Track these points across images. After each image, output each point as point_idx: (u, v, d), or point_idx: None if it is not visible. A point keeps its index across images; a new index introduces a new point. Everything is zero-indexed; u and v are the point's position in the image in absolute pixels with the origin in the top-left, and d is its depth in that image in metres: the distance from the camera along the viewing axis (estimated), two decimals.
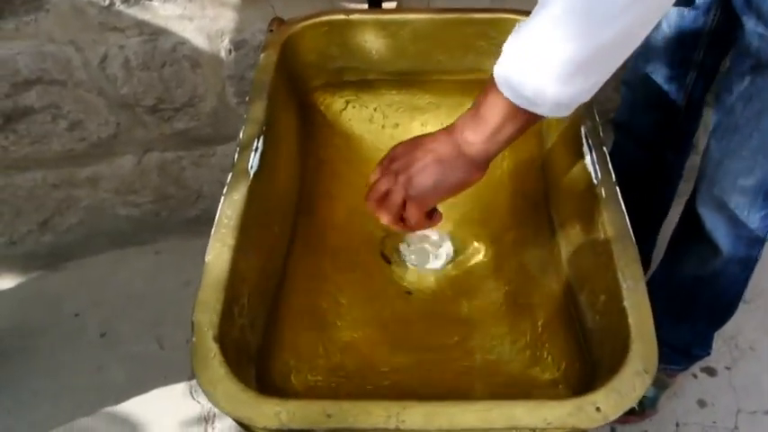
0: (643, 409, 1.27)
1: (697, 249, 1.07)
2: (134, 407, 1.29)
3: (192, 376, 1.31)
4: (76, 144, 1.31)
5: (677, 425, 1.28)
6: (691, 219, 1.05)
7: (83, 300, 1.47)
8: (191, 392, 1.31)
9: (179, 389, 1.31)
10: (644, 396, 1.21)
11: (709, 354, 1.25)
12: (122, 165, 1.38)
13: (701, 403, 1.31)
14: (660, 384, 1.29)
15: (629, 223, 0.69)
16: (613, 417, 0.54)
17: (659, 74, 1.05)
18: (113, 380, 1.33)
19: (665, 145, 1.19)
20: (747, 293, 1.36)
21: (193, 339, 0.60)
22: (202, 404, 1.28)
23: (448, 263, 0.94)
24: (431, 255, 0.94)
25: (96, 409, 1.29)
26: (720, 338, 1.37)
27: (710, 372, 1.36)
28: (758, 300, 1.47)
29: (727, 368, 1.37)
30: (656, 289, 1.14)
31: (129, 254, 1.55)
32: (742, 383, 1.34)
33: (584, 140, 0.78)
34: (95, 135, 1.30)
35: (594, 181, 0.74)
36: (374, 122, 1.02)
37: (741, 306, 1.39)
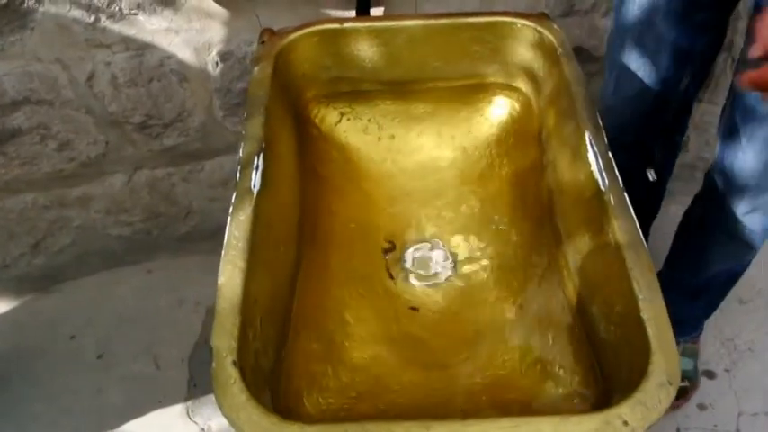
0: (694, 382, 1.28)
1: (731, 251, 1.08)
2: (132, 429, 1.28)
3: (188, 396, 1.30)
4: (66, 164, 1.29)
5: (678, 430, 1.26)
6: (720, 224, 1.03)
7: (78, 321, 1.45)
8: (187, 413, 1.29)
9: (176, 410, 1.30)
10: (685, 371, 1.24)
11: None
12: (112, 184, 1.36)
13: (701, 407, 1.30)
14: (692, 353, 1.30)
15: (639, 230, 0.68)
16: (641, 430, 0.54)
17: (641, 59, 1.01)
18: (112, 402, 1.32)
19: (652, 141, 1.18)
20: (745, 293, 1.38)
21: (213, 365, 0.59)
22: (199, 424, 1.27)
23: (451, 271, 0.93)
24: (432, 263, 0.93)
25: (95, 431, 1.27)
26: (718, 340, 1.38)
27: (710, 374, 1.34)
28: (756, 300, 1.45)
29: (727, 370, 1.35)
30: (674, 287, 1.17)
31: (121, 273, 1.53)
32: (742, 385, 1.32)
33: (588, 147, 0.78)
34: (85, 154, 1.29)
35: (602, 188, 0.73)
36: (369, 134, 1.02)
37: (739, 307, 1.41)
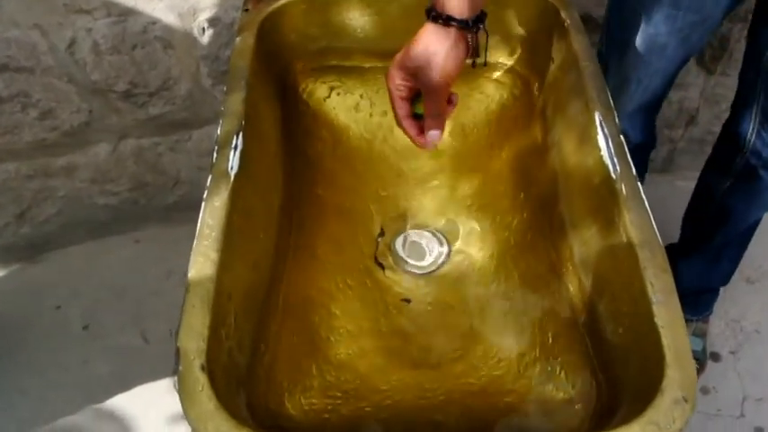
0: (702, 364, 1.26)
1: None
2: (120, 402, 1.26)
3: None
4: (49, 133, 1.25)
5: None
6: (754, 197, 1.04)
7: (64, 291, 1.43)
8: (175, 387, 1.27)
9: (164, 384, 1.28)
10: (695, 351, 1.22)
11: None
12: (97, 153, 1.32)
13: (705, 390, 1.26)
14: (702, 333, 1.28)
15: (654, 225, 0.63)
16: None
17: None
18: (98, 374, 1.30)
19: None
20: (752, 273, 1.33)
21: (180, 369, 0.56)
22: None
23: (446, 261, 0.89)
24: (426, 252, 0.89)
25: (82, 405, 1.26)
26: (724, 321, 1.34)
27: (714, 357, 1.30)
28: (763, 280, 1.41)
29: (732, 353, 1.31)
30: (695, 252, 1.14)
31: (108, 243, 1.51)
32: (747, 368, 1.28)
33: (598, 129, 0.72)
34: (68, 123, 1.24)
35: (613, 175, 0.67)
36: (361, 110, 0.96)
37: (745, 287, 1.37)
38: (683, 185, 1.25)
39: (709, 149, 1.15)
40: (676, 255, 1.20)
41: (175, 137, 1.34)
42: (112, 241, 1.51)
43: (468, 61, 0.69)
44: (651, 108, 1.09)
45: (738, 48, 1.33)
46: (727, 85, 1.41)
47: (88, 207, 1.42)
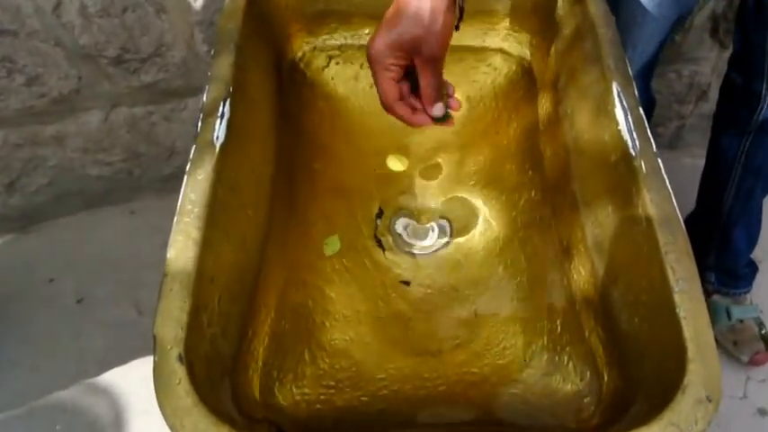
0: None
1: None
2: (113, 376, 1.23)
3: None
4: (36, 100, 1.20)
5: None
6: None
7: (57, 263, 1.39)
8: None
9: None
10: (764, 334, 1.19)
11: None
12: (88, 122, 1.27)
13: None
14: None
15: (676, 206, 0.57)
16: None
17: None
18: (92, 348, 1.28)
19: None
20: (759, 253, 1.29)
21: (155, 359, 0.52)
22: None
23: (449, 241, 0.84)
24: (428, 231, 0.84)
25: (75, 379, 1.23)
26: None
27: None
28: None
29: None
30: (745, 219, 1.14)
31: (103, 214, 1.47)
32: None
33: (616, 101, 0.66)
34: (56, 90, 1.19)
35: (632, 152, 0.62)
36: (360, 81, 0.90)
37: None
38: (691, 163, 1.20)
39: None
40: (719, 226, 1.20)
41: (170, 106, 1.29)
42: (107, 212, 1.47)
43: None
44: (648, 72, 1.07)
45: None
46: None
47: (81, 177, 1.38)
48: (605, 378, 0.61)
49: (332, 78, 0.90)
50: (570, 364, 0.66)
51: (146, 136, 1.33)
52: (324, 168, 0.85)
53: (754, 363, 1.19)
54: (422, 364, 0.69)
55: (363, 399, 0.65)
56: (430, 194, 0.88)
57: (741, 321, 1.22)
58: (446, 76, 0.88)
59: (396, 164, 0.79)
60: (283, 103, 0.84)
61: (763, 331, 1.21)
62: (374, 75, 0.62)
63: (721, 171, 1.15)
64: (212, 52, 0.73)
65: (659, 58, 1.04)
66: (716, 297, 1.25)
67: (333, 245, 0.75)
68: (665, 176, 0.60)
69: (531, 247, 0.78)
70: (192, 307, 0.54)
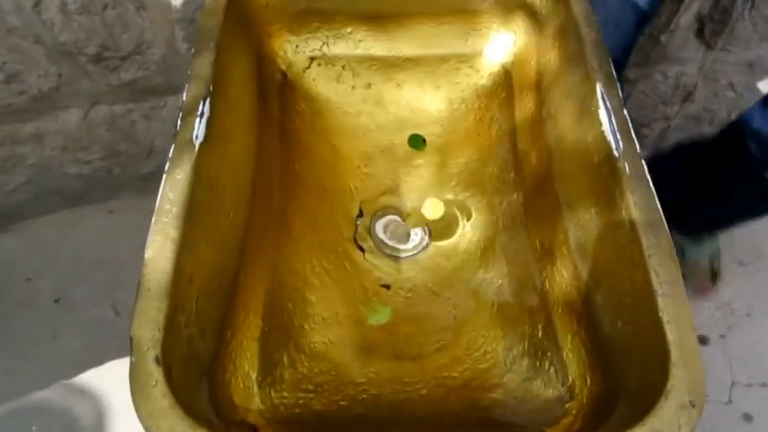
0: (716, 281, 1.24)
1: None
2: (91, 378, 1.22)
3: None
4: (15, 98, 1.18)
5: None
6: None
7: (34, 263, 1.38)
8: None
9: None
10: (715, 270, 1.18)
11: None
12: (68, 119, 1.25)
13: None
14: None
15: (660, 208, 0.58)
16: None
17: None
18: (69, 348, 1.27)
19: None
20: (745, 255, 1.30)
21: (132, 360, 0.51)
22: None
23: (430, 244, 0.84)
24: (409, 233, 0.83)
25: (53, 380, 1.22)
26: (714, 304, 1.30)
27: (702, 340, 1.26)
28: (757, 262, 1.37)
29: (722, 336, 1.27)
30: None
31: (81, 213, 1.45)
32: (737, 353, 1.25)
33: (599, 102, 0.66)
34: (35, 87, 1.17)
35: (615, 153, 0.62)
36: (343, 82, 0.90)
37: (738, 269, 1.33)
38: None
39: (704, 128, 1.10)
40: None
41: (149, 104, 1.27)
42: (86, 211, 1.45)
43: None
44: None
45: (741, 23, 1.28)
46: (727, 61, 1.35)
47: (60, 176, 1.36)
48: (587, 383, 0.61)
49: (313, 80, 0.89)
50: (552, 369, 0.66)
51: (125, 134, 1.31)
52: (304, 169, 0.84)
53: (698, 293, 1.20)
54: (402, 368, 0.69)
55: (342, 403, 0.65)
56: (411, 197, 0.88)
57: (695, 261, 1.22)
58: (428, 78, 0.88)
59: (432, 211, 0.78)
60: (264, 103, 0.83)
61: (714, 267, 1.22)
62: None
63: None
64: (192, 50, 0.72)
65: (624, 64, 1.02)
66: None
67: (382, 315, 0.74)
68: (650, 178, 0.60)
69: (512, 250, 0.78)
70: (170, 308, 0.54)
